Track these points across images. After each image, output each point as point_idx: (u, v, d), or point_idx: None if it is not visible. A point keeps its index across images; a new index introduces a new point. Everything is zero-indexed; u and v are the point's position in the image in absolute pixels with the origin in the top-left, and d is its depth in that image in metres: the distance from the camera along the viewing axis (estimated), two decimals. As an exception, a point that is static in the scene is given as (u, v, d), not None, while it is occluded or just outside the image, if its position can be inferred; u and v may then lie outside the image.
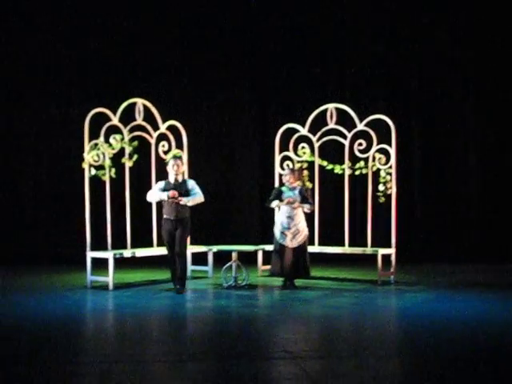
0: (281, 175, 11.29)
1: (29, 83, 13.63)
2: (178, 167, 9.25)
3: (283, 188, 9.79)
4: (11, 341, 5.97)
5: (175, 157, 9.56)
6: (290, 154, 11.41)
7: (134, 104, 10.47)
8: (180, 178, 9.31)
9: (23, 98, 13.61)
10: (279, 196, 9.72)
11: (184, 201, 9.06)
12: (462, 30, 13.95)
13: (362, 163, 10.73)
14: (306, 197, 9.66)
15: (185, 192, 9.17)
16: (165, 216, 9.19)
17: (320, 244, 11.17)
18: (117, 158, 10.18)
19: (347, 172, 10.94)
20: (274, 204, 9.75)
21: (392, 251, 10.33)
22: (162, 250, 9.94)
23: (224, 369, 4.94)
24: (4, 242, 13.32)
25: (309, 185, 10.84)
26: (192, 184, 9.34)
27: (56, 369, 4.90)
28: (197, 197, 9.22)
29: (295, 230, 9.52)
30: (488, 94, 14.02)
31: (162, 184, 9.33)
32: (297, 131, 11.47)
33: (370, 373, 4.82)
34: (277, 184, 11.41)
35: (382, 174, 10.44)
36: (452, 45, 13.97)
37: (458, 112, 14.11)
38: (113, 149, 9.96)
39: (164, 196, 9.07)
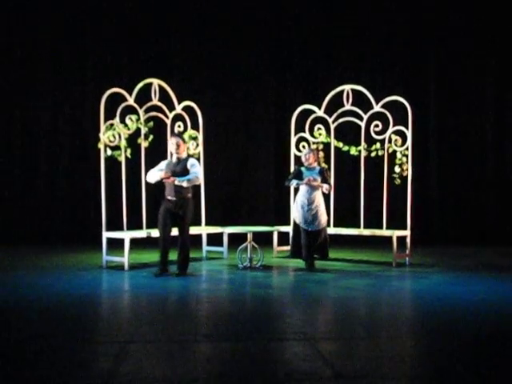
0: (296, 156, 11.29)
1: (44, 62, 13.66)
2: (177, 147, 8.83)
3: (302, 168, 9.69)
4: (24, 321, 6.01)
5: (175, 135, 9.15)
6: (306, 135, 11.38)
7: (150, 84, 10.46)
8: (183, 156, 8.96)
9: (38, 77, 13.65)
10: (299, 176, 9.63)
11: (178, 181, 8.68)
12: (480, 8, 13.80)
13: (378, 145, 10.70)
14: (325, 177, 9.57)
15: (185, 171, 8.79)
16: (165, 195, 8.89)
17: (335, 226, 11.17)
18: (132, 139, 10.20)
19: (363, 154, 10.91)
20: (293, 183, 9.67)
21: (407, 233, 10.29)
22: (177, 231, 9.94)
23: (238, 349, 4.95)
24: (19, 221, 13.42)
25: (324, 166, 10.82)
26: (192, 163, 8.86)
27: (71, 349, 4.93)
28: (192, 177, 8.73)
29: (315, 211, 9.43)
30: (508, 74, 13.89)
31: (163, 163, 9.10)
32: (313, 112, 11.42)
33: (385, 354, 4.81)
34: (292, 165, 11.40)
35: (398, 155, 10.39)
36: (471, 22, 13.82)
37: (476, 92, 13.99)
38: (128, 129, 9.97)
39: (158, 177, 8.85)
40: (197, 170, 8.86)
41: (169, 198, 8.80)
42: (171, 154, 9.23)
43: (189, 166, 8.83)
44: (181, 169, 8.81)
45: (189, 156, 9.38)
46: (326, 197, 10.34)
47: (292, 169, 10.14)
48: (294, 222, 9.64)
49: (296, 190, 10.09)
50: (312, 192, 9.51)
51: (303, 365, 4.48)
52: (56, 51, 13.62)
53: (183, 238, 8.90)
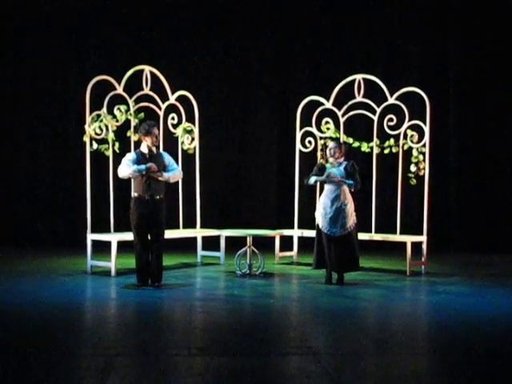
0: (301, 152, 11.33)
1: (24, 47, 13.65)
2: (156, 137, 8.62)
3: (327, 164, 9.27)
4: (4, 330, 6.04)
5: (153, 124, 8.69)
6: (313, 129, 11.40)
7: (141, 71, 10.49)
8: (155, 150, 8.68)
9: (17, 62, 13.61)
10: (321, 173, 9.18)
11: (164, 176, 8.51)
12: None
13: (391, 141, 10.70)
14: (352, 173, 9.10)
15: (161, 166, 8.56)
16: (135, 194, 8.51)
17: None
18: (121, 131, 10.22)
19: (375, 150, 10.92)
20: (312, 180, 9.21)
21: (423, 239, 10.32)
22: (169, 233, 9.99)
23: (236, 364, 4.98)
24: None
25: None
26: (169, 158, 8.75)
27: (51, 363, 4.96)
28: (177, 173, 8.74)
29: (340, 213, 8.95)
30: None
31: (133, 155, 8.61)
32: (321, 104, 11.45)
33: (396, 372, 4.85)
34: (297, 162, 11.45)
35: (414, 153, 10.40)
36: (494, 10, 13.81)
37: (503, 83, 13.90)
38: (117, 121, 9.99)
39: (140, 169, 8.36)
40: (176, 165, 8.88)
41: (142, 195, 8.42)
42: (140, 149, 8.69)
43: (166, 161, 8.71)
44: (158, 164, 8.53)
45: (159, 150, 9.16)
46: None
47: (316, 165, 9.65)
48: (317, 227, 9.20)
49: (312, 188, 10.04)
50: (337, 190, 9.03)
51: (307, 382, 4.51)
52: (38, 34, 13.61)
53: (160, 243, 8.56)
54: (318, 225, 9.16)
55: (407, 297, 8.45)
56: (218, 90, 14.02)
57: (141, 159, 8.51)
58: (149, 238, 8.54)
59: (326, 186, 9.15)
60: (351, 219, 9.04)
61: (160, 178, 8.49)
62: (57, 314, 6.82)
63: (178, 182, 10.65)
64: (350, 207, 9.08)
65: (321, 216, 9.09)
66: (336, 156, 9.18)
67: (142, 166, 8.38)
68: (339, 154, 9.21)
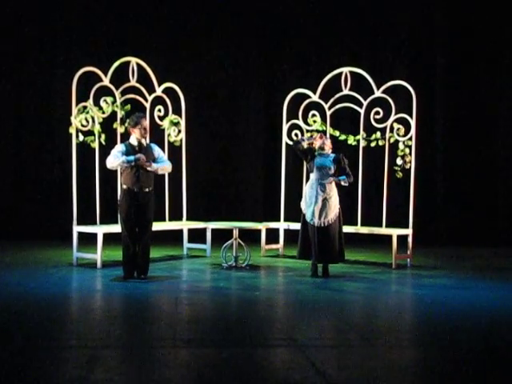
0: (288, 145, 11.32)
1: (8, 35, 13.51)
2: (145, 129, 8.58)
3: (316, 153, 9.17)
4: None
5: (142, 116, 8.71)
6: (299, 122, 11.40)
7: (128, 63, 10.45)
8: (144, 142, 8.66)
9: (1, 52, 13.51)
10: (310, 154, 9.17)
11: (154, 167, 8.51)
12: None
13: (378, 134, 10.72)
14: (343, 167, 9.08)
15: (152, 159, 8.58)
16: (124, 186, 8.46)
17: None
18: (107, 123, 10.19)
19: (362, 143, 10.94)
20: (304, 142, 9.29)
21: (409, 232, 10.35)
22: (155, 225, 9.97)
23: (222, 356, 4.99)
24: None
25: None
26: (158, 150, 8.79)
27: (38, 354, 4.95)
28: (166, 164, 8.79)
29: (326, 204, 8.94)
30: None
31: (122, 147, 8.53)
32: (307, 97, 11.45)
33: (381, 363, 4.87)
34: (284, 154, 11.47)
35: (401, 146, 10.43)
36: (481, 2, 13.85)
37: (489, 76, 13.94)
38: (103, 113, 9.96)
39: (129, 160, 8.33)
40: (165, 158, 8.97)
41: (130, 187, 8.40)
42: (129, 141, 8.64)
43: (156, 154, 8.71)
44: (146, 156, 8.52)
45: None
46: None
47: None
48: (303, 217, 9.17)
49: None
50: (321, 181, 9.01)
51: (292, 374, 4.52)
52: (22, 24, 13.52)
53: (147, 236, 8.55)
54: (303, 215, 9.12)
55: (393, 289, 8.49)
56: (205, 82, 13.99)
57: (130, 151, 8.47)
58: (136, 230, 8.52)
59: (312, 176, 9.11)
60: (334, 211, 9.01)
61: (149, 169, 8.47)
62: (42, 305, 6.80)
63: (164, 175, 10.67)
64: (335, 199, 9.07)
65: (306, 206, 9.07)
66: (326, 149, 9.15)
67: (131, 157, 8.36)
68: (329, 146, 9.20)
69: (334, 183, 9.07)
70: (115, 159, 8.42)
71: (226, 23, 13.97)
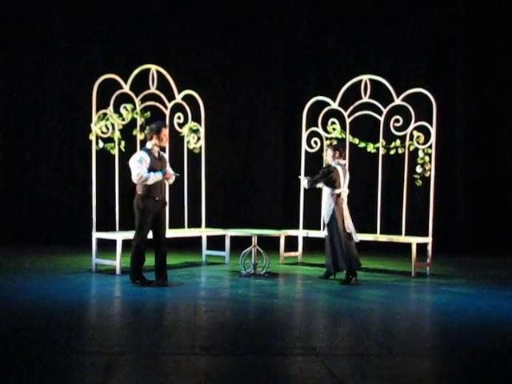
0: (307, 152, 11.33)
1: (32, 44, 13.66)
2: (165, 137, 8.57)
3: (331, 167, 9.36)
4: (6, 328, 6.04)
5: (164, 125, 8.72)
6: (319, 130, 11.39)
7: (148, 70, 10.49)
8: (159, 151, 8.67)
9: (25, 60, 13.65)
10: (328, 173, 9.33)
11: (173, 179, 8.77)
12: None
13: (398, 142, 10.69)
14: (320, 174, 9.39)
15: (165, 168, 8.66)
16: (146, 193, 8.44)
17: (349, 230, 11.17)
18: (127, 130, 10.23)
19: (381, 151, 10.91)
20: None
21: (429, 240, 10.29)
22: (175, 232, 10.00)
23: (240, 364, 4.98)
24: (1, 220, 13.46)
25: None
26: (167, 158, 8.97)
27: (56, 360, 4.96)
28: (176, 174, 8.88)
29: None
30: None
31: (145, 156, 8.43)
32: (327, 105, 11.44)
33: (400, 372, 4.83)
34: (303, 162, 11.45)
35: (421, 154, 10.38)
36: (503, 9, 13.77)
37: (507, 86, 13.90)
38: (123, 120, 10.00)
39: (159, 176, 8.42)
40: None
41: (156, 197, 8.47)
42: (148, 148, 8.58)
43: (167, 163, 8.83)
44: (163, 165, 8.63)
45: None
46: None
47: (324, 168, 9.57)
48: (341, 229, 9.24)
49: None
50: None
51: (311, 383, 4.50)
52: (45, 33, 13.64)
53: (164, 242, 8.68)
54: (339, 227, 9.20)
55: (412, 298, 8.43)
56: (225, 90, 14.02)
57: (153, 160, 8.46)
58: (149, 236, 8.64)
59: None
60: (326, 219, 9.38)
61: (170, 181, 8.77)
62: (61, 311, 6.82)
63: (183, 181, 10.73)
64: (324, 208, 9.41)
65: (347, 220, 9.27)
66: (330, 159, 9.43)
67: (159, 173, 8.41)
68: (331, 156, 9.39)
69: (324, 191, 9.44)
70: (150, 177, 8.34)
71: (245, 31, 14.00)
